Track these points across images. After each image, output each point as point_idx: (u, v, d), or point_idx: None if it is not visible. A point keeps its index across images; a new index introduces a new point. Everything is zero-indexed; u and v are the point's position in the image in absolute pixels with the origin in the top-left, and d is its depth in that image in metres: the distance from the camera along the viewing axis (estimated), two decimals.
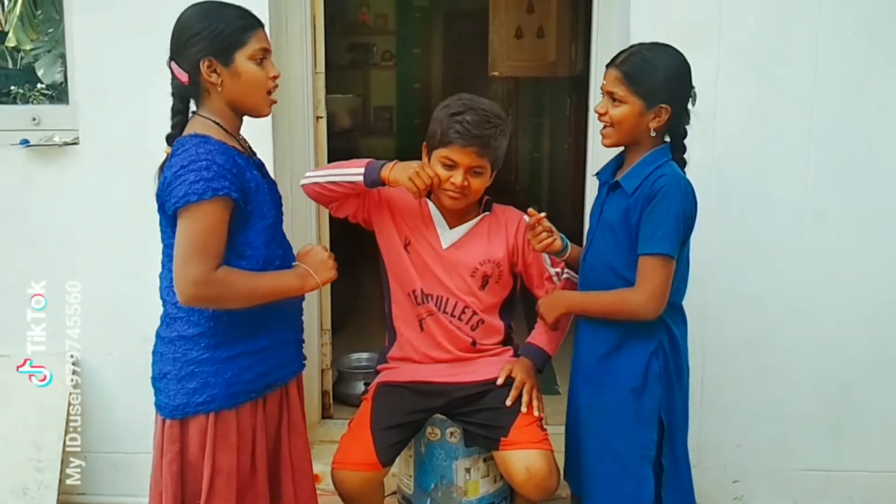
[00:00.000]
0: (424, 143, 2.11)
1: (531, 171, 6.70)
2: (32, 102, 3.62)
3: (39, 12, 4.51)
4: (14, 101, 3.47)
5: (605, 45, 2.59)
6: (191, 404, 1.70)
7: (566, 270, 2.17)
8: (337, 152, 5.18)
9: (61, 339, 2.57)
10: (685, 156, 1.90)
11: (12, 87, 3.93)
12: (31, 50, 6.08)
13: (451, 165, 2.03)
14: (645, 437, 1.86)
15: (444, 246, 2.13)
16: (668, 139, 1.89)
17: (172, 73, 1.74)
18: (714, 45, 2.37)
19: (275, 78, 1.78)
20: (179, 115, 1.77)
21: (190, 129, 1.73)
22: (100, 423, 2.66)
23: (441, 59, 6.87)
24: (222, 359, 1.72)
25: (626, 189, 1.84)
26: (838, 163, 2.47)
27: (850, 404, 2.58)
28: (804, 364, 2.56)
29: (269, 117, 2.43)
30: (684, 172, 1.88)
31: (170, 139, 1.76)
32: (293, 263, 1.84)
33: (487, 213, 2.17)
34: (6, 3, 7.21)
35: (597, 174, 2.03)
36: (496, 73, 5.04)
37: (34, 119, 2.65)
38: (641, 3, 2.41)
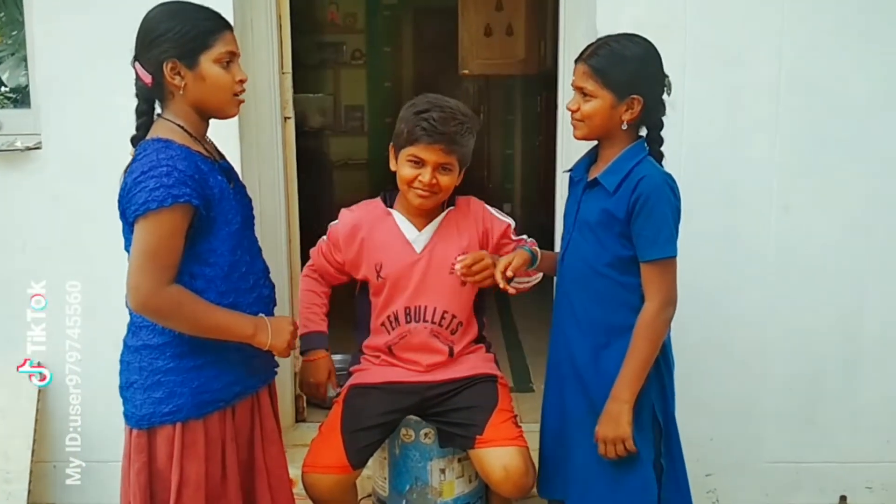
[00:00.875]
0: (391, 144, 2.10)
1: (503, 168, 6.70)
2: None
3: (2, 14, 4.42)
4: None
5: (572, 42, 2.60)
6: (157, 414, 1.67)
7: (527, 239, 2.19)
8: (308, 152, 5.19)
9: (24, 346, 2.53)
10: (662, 148, 1.86)
11: None
12: None
13: (418, 163, 2.01)
14: (643, 437, 1.81)
15: (419, 250, 2.11)
16: (643, 132, 1.86)
17: (136, 73, 1.71)
18: (680, 40, 2.38)
19: (242, 81, 1.75)
20: (144, 117, 1.74)
21: (153, 133, 1.69)
22: (63, 429, 2.61)
23: (412, 57, 6.84)
24: (188, 368, 1.69)
25: (606, 187, 1.81)
26: (804, 156, 2.49)
27: (821, 397, 2.60)
28: (774, 358, 2.58)
29: (236, 119, 2.41)
30: (661, 165, 1.85)
31: (134, 141, 1.73)
32: (262, 269, 1.82)
33: (451, 207, 2.16)
34: None
35: (569, 171, 2.00)
36: (466, 72, 5.03)
37: None
38: (607, 1, 2.41)
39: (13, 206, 2.57)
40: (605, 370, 1.83)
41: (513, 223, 2.20)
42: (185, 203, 1.60)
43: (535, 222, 5.42)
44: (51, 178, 2.53)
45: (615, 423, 1.78)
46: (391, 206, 2.15)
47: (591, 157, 1.93)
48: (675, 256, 1.78)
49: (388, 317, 2.13)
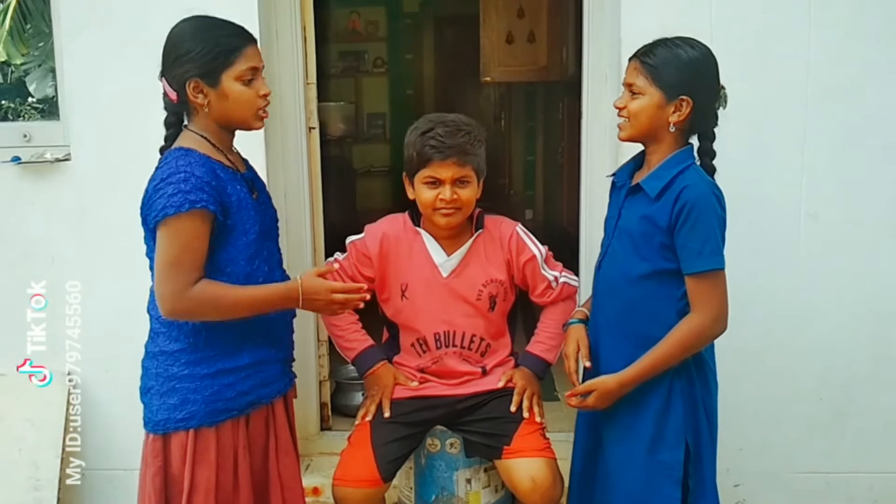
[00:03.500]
0: (404, 174, 2.09)
1: (525, 174, 6.69)
2: (24, 117, 3.61)
3: (29, 26, 4.49)
4: (6, 116, 3.45)
5: (596, 48, 2.59)
6: (171, 420, 1.70)
7: (564, 273, 2.17)
8: (331, 160, 5.20)
9: (57, 356, 2.55)
10: (714, 161, 1.81)
11: (3, 102, 3.91)
12: (22, 64, 6.05)
13: (435, 182, 2.01)
14: (671, 458, 1.77)
15: (445, 275, 2.10)
16: (694, 142, 1.81)
17: (163, 88, 1.74)
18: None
19: (265, 96, 1.77)
20: (172, 128, 1.77)
21: (178, 143, 1.73)
22: (97, 440, 2.65)
23: (433, 64, 6.86)
24: (202, 375, 1.71)
25: (648, 192, 1.75)
26: (833, 163, 2.46)
27: (851, 405, 2.57)
28: (804, 366, 2.55)
29: (262, 129, 2.44)
30: (713, 179, 1.78)
31: (162, 151, 1.77)
32: (280, 280, 1.83)
33: (481, 230, 2.13)
34: None
35: (612, 175, 1.95)
36: (488, 79, 5.03)
37: (25, 135, 2.63)
38: (632, 6, 2.40)
39: (43, 217, 2.60)
40: (637, 390, 1.79)
41: (542, 253, 2.14)
42: (202, 208, 1.63)
43: (557, 229, 5.40)
44: (80, 190, 2.56)
45: (605, 399, 1.79)
46: (418, 226, 2.13)
47: (637, 163, 1.88)
48: (722, 269, 1.72)
49: (418, 339, 2.14)
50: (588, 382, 1.83)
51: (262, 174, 2.43)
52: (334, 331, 2.20)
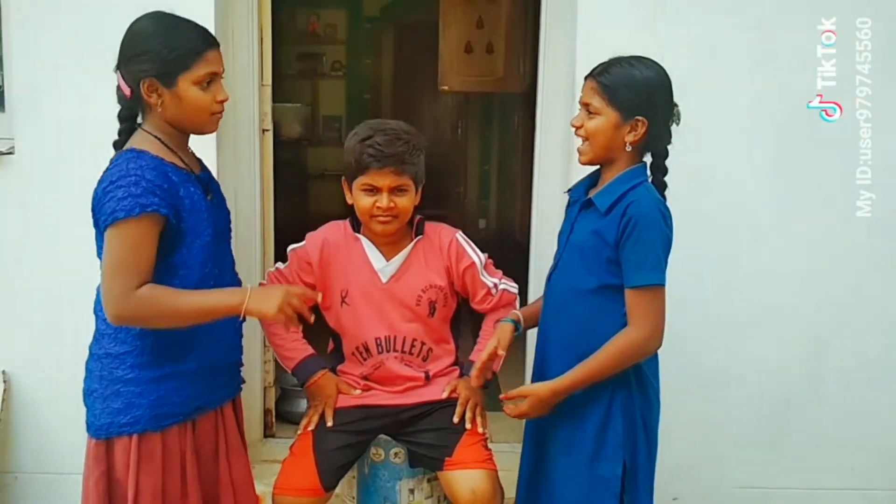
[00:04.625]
0: (343, 178, 2.08)
1: (480, 183, 6.71)
2: None
3: None
4: None
5: (551, 63, 2.62)
6: (115, 424, 1.66)
7: (503, 280, 2.18)
8: (286, 164, 5.17)
9: None
10: (666, 178, 1.82)
11: None
12: None
13: (372, 190, 2.00)
14: (609, 472, 1.78)
15: (384, 280, 2.10)
16: (648, 160, 1.83)
17: (118, 82, 1.70)
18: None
19: (222, 101, 1.75)
20: (126, 122, 1.74)
21: (130, 143, 1.69)
22: (32, 443, 2.58)
23: (391, 70, 6.84)
24: (148, 379, 1.68)
25: (598, 207, 1.77)
26: (776, 185, 2.52)
27: (787, 424, 2.63)
28: (741, 384, 2.61)
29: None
30: (664, 195, 1.80)
31: (116, 146, 1.74)
32: (231, 283, 1.81)
33: (420, 236, 2.13)
34: None
35: (568, 191, 1.96)
36: (445, 87, 5.04)
37: None
38: (588, 22, 2.44)
39: None
40: (580, 402, 1.80)
41: (481, 260, 2.14)
42: (153, 212, 1.60)
43: (510, 239, 5.43)
44: (22, 185, 2.50)
45: (540, 408, 1.80)
46: (358, 232, 2.13)
47: (593, 179, 1.89)
48: (662, 285, 1.73)
49: (359, 347, 2.13)
50: (521, 388, 1.84)
51: (213, 175, 2.42)
52: (274, 339, 2.17)
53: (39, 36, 2.45)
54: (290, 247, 2.16)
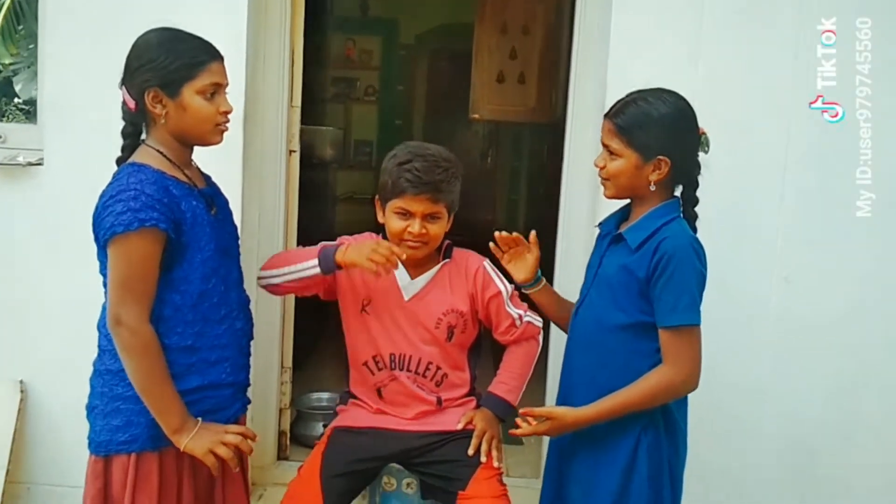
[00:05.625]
0: (376, 197, 2.06)
1: (508, 212, 6.70)
2: (7, 117, 3.56)
3: (21, 27, 4.45)
4: None
5: (581, 95, 2.61)
6: (113, 442, 1.66)
7: (528, 313, 2.14)
8: (314, 185, 5.16)
9: (11, 363, 2.49)
10: (696, 209, 1.78)
11: None
12: (10, 64, 5.99)
13: (405, 214, 1.98)
14: None
15: (406, 298, 2.07)
16: (679, 191, 1.78)
17: (122, 97, 1.71)
18: (696, 97, 2.36)
19: (225, 113, 1.74)
20: (129, 139, 1.74)
21: (133, 158, 1.70)
22: (46, 454, 2.58)
23: (424, 97, 6.89)
24: None
25: (629, 243, 1.72)
26: (809, 229, 2.47)
27: (815, 469, 2.55)
28: (769, 428, 2.54)
29: (241, 149, 2.44)
30: (695, 227, 1.76)
31: (119, 162, 1.74)
32: (237, 301, 1.80)
33: (447, 260, 2.11)
34: None
35: (599, 224, 1.93)
36: (476, 116, 5.04)
37: (0, 137, 2.59)
38: (619, 56, 2.42)
39: (12, 220, 2.56)
40: (606, 444, 1.75)
41: (507, 290, 2.11)
42: (151, 227, 1.59)
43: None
44: (50, 195, 2.52)
45: (558, 432, 1.77)
46: None
47: (624, 213, 1.85)
48: (697, 325, 1.68)
49: (375, 357, 2.10)
50: (546, 409, 1.80)
51: (238, 195, 2.43)
52: (281, 256, 2.09)
53: (72, 51, 2.49)
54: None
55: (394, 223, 2.00)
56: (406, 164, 1.97)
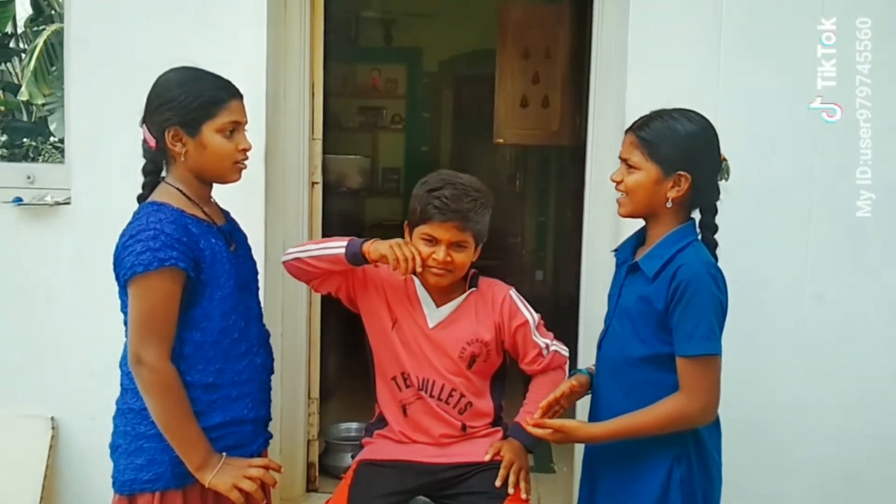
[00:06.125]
0: (406, 222, 2.06)
1: (537, 235, 6.68)
2: (44, 156, 3.63)
3: (54, 68, 4.56)
4: (27, 155, 3.49)
5: (601, 117, 2.61)
6: (137, 481, 1.66)
7: (555, 342, 2.12)
8: (344, 213, 5.18)
9: (42, 400, 2.52)
10: (716, 235, 1.75)
11: (25, 140, 3.96)
12: (45, 104, 6.15)
13: (432, 241, 1.98)
14: None
15: (431, 325, 2.07)
16: (696, 216, 1.75)
17: (143, 135, 1.73)
18: (715, 114, 2.33)
19: (244, 151, 1.76)
20: (150, 176, 1.77)
21: (153, 196, 1.73)
22: (77, 490, 2.60)
23: (450, 123, 6.93)
24: None
25: (646, 272, 1.70)
26: (839, 246, 2.42)
27: (854, 496, 2.47)
28: (806, 453, 2.47)
29: (262, 181, 2.46)
30: (715, 254, 1.73)
31: (140, 200, 1.76)
32: (257, 336, 1.80)
33: (474, 289, 2.10)
34: (23, 57, 7.34)
35: (614, 251, 1.90)
36: (501, 140, 5.05)
37: (28, 177, 2.65)
38: (638, 78, 2.40)
39: (40, 258, 2.60)
40: (638, 475, 1.72)
41: (534, 319, 2.10)
42: (171, 266, 1.60)
43: (565, 292, 5.35)
44: (78, 234, 2.56)
45: (568, 439, 1.76)
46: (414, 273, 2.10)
47: (639, 238, 1.82)
48: (716, 355, 1.64)
49: (403, 373, 2.08)
50: (561, 422, 1.76)
51: (260, 226, 2.45)
52: (308, 246, 2.06)
53: (98, 91, 2.54)
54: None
55: (420, 249, 1.99)
56: (436, 190, 1.97)
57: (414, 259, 1.92)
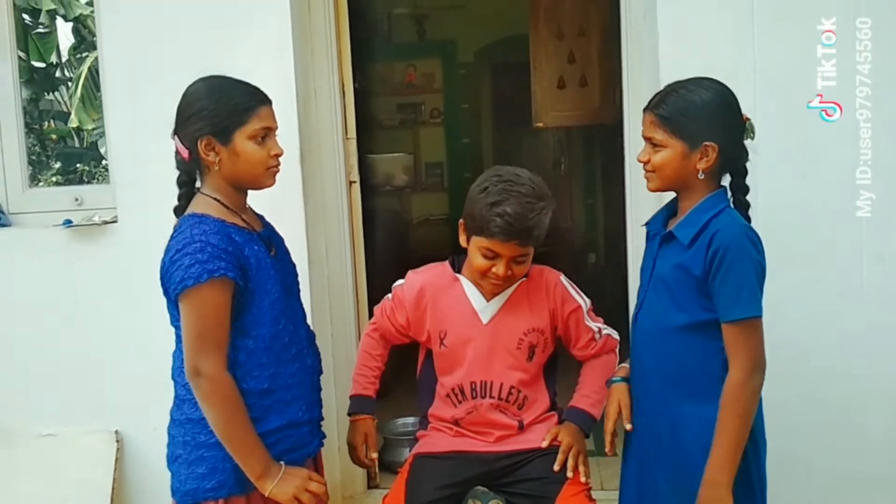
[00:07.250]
0: (461, 221, 2.00)
1: (587, 217, 6.60)
2: (97, 179, 3.72)
3: (100, 93, 4.69)
4: (81, 178, 3.58)
5: (636, 92, 2.54)
6: (200, 490, 1.68)
7: (606, 326, 2.10)
8: (390, 211, 5.19)
9: (104, 414, 2.58)
10: (748, 197, 1.73)
11: (78, 165, 4.07)
12: (94, 129, 6.30)
13: (492, 255, 1.93)
14: None
15: (485, 321, 2.04)
16: (726, 181, 1.74)
17: (175, 147, 1.75)
18: (749, 87, 2.26)
19: (276, 156, 1.77)
20: (185, 187, 1.79)
21: (190, 208, 1.73)
22: (144, 500, 2.64)
23: (489, 113, 6.88)
24: None
25: (681, 240, 1.68)
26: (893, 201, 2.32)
27: None
28: (871, 419, 2.38)
29: (300, 183, 2.48)
30: (748, 216, 1.72)
31: (176, 212, 1.78)
32: (305, 337, 1.82)
33: (525, 278, 2.05)
34: (69, 85, 7.55)
35: (646, 224, 1.88)
36: (540, 124, 5.01)
37: (77, 199, 2.72)
38: (669, 49, 2.35)
39: (92, 277, 2.66)
40: (685, 442, 1.70)
41: (586, 303, 2.08)
42: (220, 277, 1.62)
43: (619, 273, 5.28)
44: (126, 252, 2.61)
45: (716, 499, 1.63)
46: (459, 271, 2.08)
47: (670, 210, 1.81)
48: (759, 317, 1.63)
49: (454, 389, 2.07)
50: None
51: (302, 230, 2.47)
52: (358, 359, 2.20)
53: (136, 110, 2.58)
54: (395, 283, 2.15)
55: (478, 259, 1.95)
56: (497, 205, 1.87)
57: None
